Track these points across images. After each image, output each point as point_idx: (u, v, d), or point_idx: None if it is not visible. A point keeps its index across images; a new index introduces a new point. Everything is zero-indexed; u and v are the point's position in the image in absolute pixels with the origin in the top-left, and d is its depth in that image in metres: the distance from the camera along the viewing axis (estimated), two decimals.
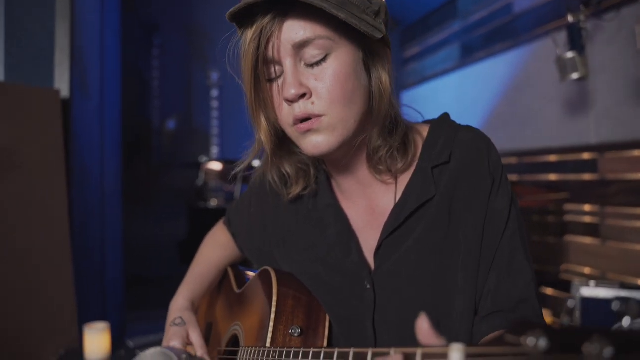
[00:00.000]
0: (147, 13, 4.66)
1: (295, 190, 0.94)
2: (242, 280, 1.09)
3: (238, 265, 1.19)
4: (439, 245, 0.84)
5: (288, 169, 0.93)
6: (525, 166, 3.17)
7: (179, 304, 1.02)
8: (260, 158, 0.95)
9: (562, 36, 2.32)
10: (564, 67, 2.14)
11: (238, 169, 0.90)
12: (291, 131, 0.82)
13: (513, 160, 3.30)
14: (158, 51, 4.76)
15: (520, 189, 2.86)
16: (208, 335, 1.11)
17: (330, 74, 0.77)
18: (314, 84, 0.77)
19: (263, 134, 0.84)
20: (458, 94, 4.07)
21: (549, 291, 2.86)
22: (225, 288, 1.13)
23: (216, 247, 1.16)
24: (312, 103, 0.78)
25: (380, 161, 0.86)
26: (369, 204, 0.92)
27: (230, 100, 4.86)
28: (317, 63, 0.77)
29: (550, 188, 2.90)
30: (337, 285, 0.91)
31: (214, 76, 4.95)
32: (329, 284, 0.92)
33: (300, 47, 0.76)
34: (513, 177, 3.28)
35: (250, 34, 0.77)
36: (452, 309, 0.83)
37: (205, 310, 1.17)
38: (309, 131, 0.79)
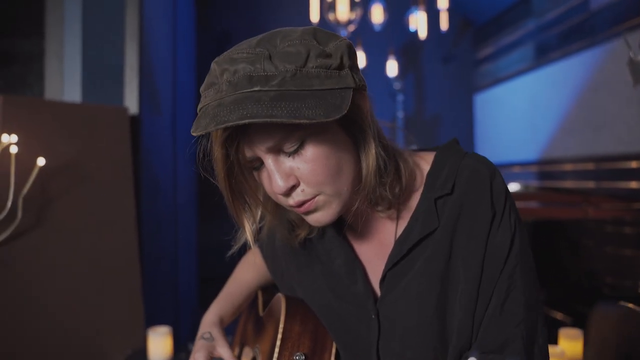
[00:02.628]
0: (220, 23, 4.83)
1: (302, 233, 0.94)
2: (268, 303, 1.12)
3: (271, 287, 1.22)
4: (440, 278, 0.83)
5: (292, 216, 0.94)
6: (604, 172, 2.99)
7: (209, 319, 1.08)
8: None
9: (635, 36, 2.16)
10: (636, 71, 2.00)
11: (234, 250, 0.91)
12: (292, 209, 0.83)
13: (590, 167, 3.12)
14: None
15: (594, 200, 2.70)
16: (240, 355, 1.15)
17: (310, 160, 0.75)
18: (298, 172, 0.76)
19: (247, 226, 0.85)
20: (532, 96, 3.90)
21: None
22: (255, 310, 1.17)
23: (249, 268, 1.20)
24: (303, 190, 0.77)
25: (378, 201, 0.85)
26: (376, 235, 0.93)
27: None
28: (295, 151, 0.75)
29: (629, 197, 2.71)
30: (345, 313, 0.92)
31: None
32: (338, 313, 0.93)
33: (273, 148, 0.74)
34: (590, 184, 3.10)
35: (216, 142, 0.74)
36: (451, 343, 0.83)
37: (241, 331, 1.21)
38: (307, 212, 0.80)
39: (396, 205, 0.88)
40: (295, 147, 0.74)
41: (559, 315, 3.05)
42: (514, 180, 4.00)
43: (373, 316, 0.88)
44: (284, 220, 0.97)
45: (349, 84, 0.74)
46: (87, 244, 1.82)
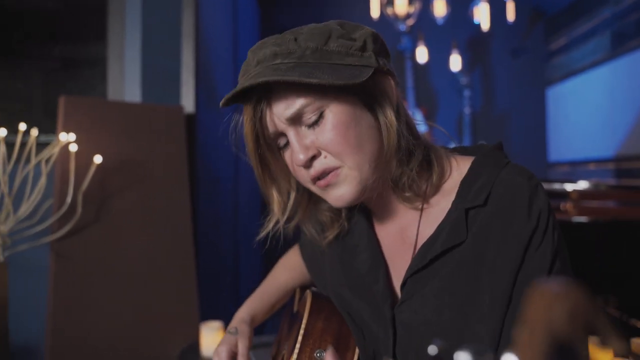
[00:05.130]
0: (284, 21, 4.88)
1: (331, 234, 0.96)
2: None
3: (311, 286, 1.21)
4: (461, 294, 0.77)
5: (322, 217, 0.96)
6: None
7: (240, 316, 1.08)
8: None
9: None
10: None
11: (262, 234, 0.92)
12: (314, 189, 0.84)
13: None
14: None
15: None
16: (276, 354, 1.15)
17: (329, 128, 0.77)
18: (318, 142, 0.79)
19: (276, 206, 0.89)
20: (609, 88, 3.66)
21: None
22: (292, 308, 1.16)
23: (285, 268, 1.20)
24: (325, 157, 0.79)
25: (404, 188, 0.83)
26: (399, 233, 0.89)
27: None
28: (316, 122, 0.78)
29: None
30: (363, 313, 0.89)
31: None
32: (356, 311, 0.91)
33: (294, 118, 0.78)
34: None
35: (245, 116, 0.81)
36: None
37: (280, 330, 1.21)
38: (328, 186, 0.81)
39: (422, 198, 0.84)
40: (315, 118, 0.77)
41: (639, 324, 2.83)
42: (589, 178, 3.77)
43: (388, 320, 0.84)
44: (314, 220, 0.98)
45: (370, 64, 0.77)
46: (143, 239, 1.88)
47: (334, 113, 0.77)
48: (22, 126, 1.59)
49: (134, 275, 1.84)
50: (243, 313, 1.09)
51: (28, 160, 1.58)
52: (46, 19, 2.33)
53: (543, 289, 0.26)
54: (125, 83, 2.21)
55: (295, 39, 0.76)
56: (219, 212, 2.81)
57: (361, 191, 0.80)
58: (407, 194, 0.84)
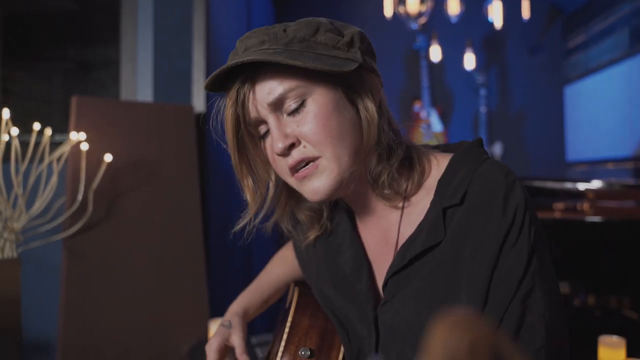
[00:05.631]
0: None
1: (312, 235, 0.95)
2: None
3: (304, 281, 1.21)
4: (440, 294, 0.76)
5: (301, 216, 0.95)
6: None
7: (233, 309, 1.08)
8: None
9: None
10: None
11: (237, 227, 0.90)
12: (291, 181, 0.83)
13: None
14: None
15: None
16: (271, 348, 1.15)
17: (311, 117, 0.77)
18: (298, 131, 0.78)
19: (250, 197, 0.86)
20: (627, 86, 3.59)
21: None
22: (284, 303, 1.16)
23: (280, 263, 1.20)
24: (304, 147, 0.79)
25: (384, 186, 0.82)
26: (382, 234, 0.88)
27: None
28: (297, 110, 0.78)
29: None
30: (347, 311, 0.89)
31: None
32: (340, 310, 0.90)
33: (276, 104, 0.78)
34: None
35: (227, 100, 0.80)
36: None
37: (277, 324, 1.21)
38: (305, 178, 0.80)
39: (403, 197, 0.84)
40: (296, 105, 0.78)
41: None
42: (607, 177, 3.71)
43: (371, 320, 0.84)
44: (294, 220, 0.98)
45: (356, 59, 0.78)
46: (153, 236, 1.91)
47: (316, 102, 0.78)
48: (36, 126, 1.63)
49: (144, 272, 1.87)
50: (236, 306, 1.09)
51: (42, 159, 1.62)
52: (61, 22, 2.38)
53: (445, 319, 0.26)
54: (138, 84, 2.24)
55: (284, 30, 0.78)
56: (230, 210, 2.83)
57: (338, 184, 0.79)
58: (387, 192, 0.83)
